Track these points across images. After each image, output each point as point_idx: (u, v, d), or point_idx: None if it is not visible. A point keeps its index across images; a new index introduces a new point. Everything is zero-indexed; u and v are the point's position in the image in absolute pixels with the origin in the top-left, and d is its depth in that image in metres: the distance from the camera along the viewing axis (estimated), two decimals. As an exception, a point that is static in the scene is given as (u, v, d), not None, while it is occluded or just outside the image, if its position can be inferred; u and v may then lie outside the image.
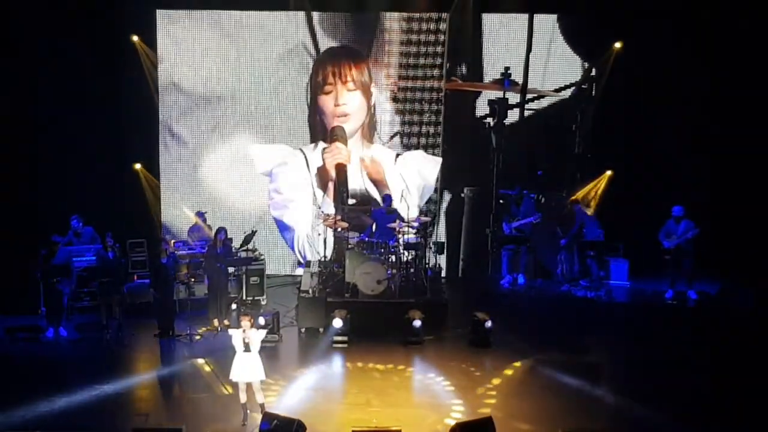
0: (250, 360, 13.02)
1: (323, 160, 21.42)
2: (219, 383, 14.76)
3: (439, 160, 21.82)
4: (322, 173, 21.62)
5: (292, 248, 21.74)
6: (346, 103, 21.43)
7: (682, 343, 17.15)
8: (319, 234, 20.21)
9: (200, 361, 15.99)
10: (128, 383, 14.97)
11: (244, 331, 13.02)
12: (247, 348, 12.99)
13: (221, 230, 18.16)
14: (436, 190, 21.91)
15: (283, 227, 21.74)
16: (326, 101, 21.52)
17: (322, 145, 21.68)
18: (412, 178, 21.60)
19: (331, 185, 21.44)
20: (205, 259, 18.31)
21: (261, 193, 21.91)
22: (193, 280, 18.40)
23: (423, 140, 22.03)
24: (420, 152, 21.99)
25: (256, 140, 21.72)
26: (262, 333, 13.34)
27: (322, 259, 19.32)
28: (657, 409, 13.71)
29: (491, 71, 21.90)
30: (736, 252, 19.94)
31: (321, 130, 21.80)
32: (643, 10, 20.64)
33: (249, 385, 13.12)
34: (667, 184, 20.80)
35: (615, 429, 12.57)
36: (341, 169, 21.23)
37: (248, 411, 13.14)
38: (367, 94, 21.67)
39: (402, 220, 18.81)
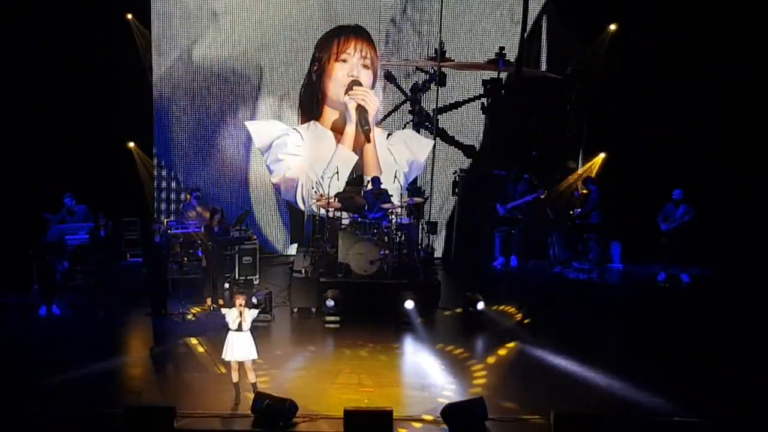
0: (242, 339, 13.01)
1: (346, 102, 21.12)
2: (211, 362, 14.76)
3: (431, 141, 21.81)
4: (338, 122, 21.57)
5: (295, 202, 21.57)
6: (360, 76, 21.34)
7: (674, 324, 17.22)
8: (312, 214, 20.25)
9: (192, 340, 15.99)
10: (120, 362, 14.97)
11: (240, 307, 13.01)
12: (239, 327, 12.99)
13: (218, 210, 18.14)
14: (424, 169, 21.90)
15: (286, 186, 21.54)
16: (339, 69, 21.39)
17: (315, 123, 21.64)
18: (401, 153, 21.58)
19: (349, 129, 21.22)
20: (203, 239, 18.29)
21: (255, 172, 21.91)
22: (186, 259, 18.37)
23: (416, 119, 22.03)
24: (410, 130, 22.01)
25: (250, 118, 21.70)
26: (254, 312, 13.33)
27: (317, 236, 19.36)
28: (649, 391, 13.75)
29: (486, 51, 21.88)
30: (730, 235, 19.98)
31: (319, 104, 21.75)
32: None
33: (241, 365, 13.13)
34: (662, 167, 20.78)
35: (607, 411, 12.58)
36: (362, 110, 21.08)
37: (240, 390, 13.15)
38: (375, 78, 21.64)
39: (390, 201, 18.87)
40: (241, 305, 12.98)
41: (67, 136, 20.35)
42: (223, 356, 13.21)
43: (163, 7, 21.34)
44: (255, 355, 13.18)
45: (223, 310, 13.29)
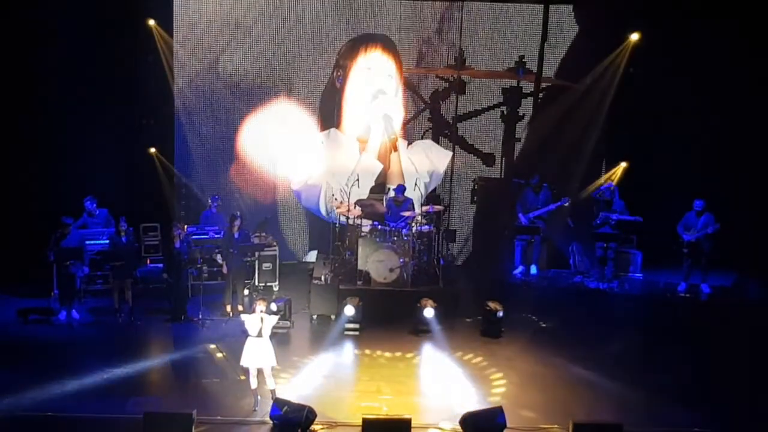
0: (261, 346, 13.02)
1: (371, 111, 21.17)
2: (230, 368, 14.78)
3: (450, 152, 21.74)
4: (361, 131, 21.49)
5: (317, 210, 21.42)
6: (384, 86, 21.31)
7: (694, 335, 17.14)
8: (334, 222, 20.24)
9: (211, 346, 16.03)
10: (139, 367, 15.02)
11: (261, 313, 13.03)
12: (259, 333, 12.99)
13: (237, 216, 18.15)
14: (444, 180, 21.85)
15: (307, 193, 21.37)
16: (364, 77, 21.36)
17: (335, 131, 21.59)
18: (421, 163, 21.51)
19: (374, 139, 21.17)
20: (222, 245, 18.30)
21: (276, 179, 21.88)
22: (206, 265, 18.39)
23: (435, 127, 22.03)
24: (429, 140, 21.97)
25: (272, 126, 21.57)
26: (274, 319, 13.34)
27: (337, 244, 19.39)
28: (668, 402, 13.71)
29: (506, 59, 21.88)
30: (752, 245, 19.84)
31: (340, 111, 21.65)
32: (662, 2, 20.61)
33: (260, 371, 13.14)
34: (683, 176, 20.66)
35: (626, 421, 12.53)
36: (388, 120, 21.08)
37: (259, 397, 13.17)
38: (398, 87, 21.60)
39: (412, 209, 18.91)
40: (262, 311, 13.00)
41: (88, 142, 20.33)
42: (241, 363, 13.23)
43: (186, 13, 21.34)
44: (274, 362, 13.20)
45: (243, 316, 13.33)
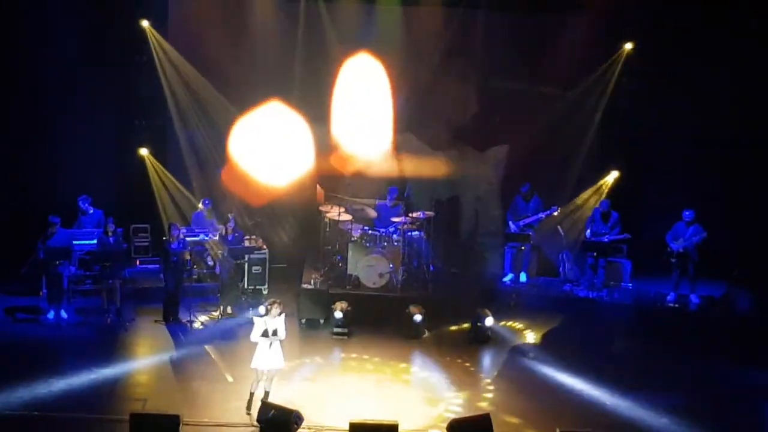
0: (273, 348, 13.04)
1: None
2: (219, 371, 14.77)
3: (440, 161, 21.74)
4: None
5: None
6: (376, 99, 21.29)
7: (683, 345, 17.15)
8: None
9: (200, 348, 16.00)
10: (127, 368, 15.02)
11: (281, 315, 13.07)
12: (274, 335, 12.99)
13: (231, 218, 18.12)
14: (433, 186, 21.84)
15: None
16: (355, 88, 21.31)
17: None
18: (412, 170, 21.55)
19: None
20: (215, 247, 18.27)
21: (267, 183, 21.84)
22: (195, 266, 18.36)
23: (427, 136, 22.04)
24: (419, 146, 21.95)
25: (264, 129, 21.53)
26: (282, 320, 13.30)
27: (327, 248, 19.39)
28: (655, 411, 13.72)
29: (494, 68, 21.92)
30: (741, 256, 19.86)
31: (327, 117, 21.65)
32: (655, 11, 20.63)
33: (262, 373, 13.13)
34: (673, 186, 20.70)
35: (612, 430, 12.56)
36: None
37: (253, 399, 13.13)
38: (386, 97, 21.58)
39: (405, 214, 18.90)
40: (278, 314, 13.02)
41: (80, 143, 20.31)
42: (252, 365, 13.16)
43: (180, 17, 21.33)
44: (283, 365, 13.22)
45: (256, 319, 13.28)
